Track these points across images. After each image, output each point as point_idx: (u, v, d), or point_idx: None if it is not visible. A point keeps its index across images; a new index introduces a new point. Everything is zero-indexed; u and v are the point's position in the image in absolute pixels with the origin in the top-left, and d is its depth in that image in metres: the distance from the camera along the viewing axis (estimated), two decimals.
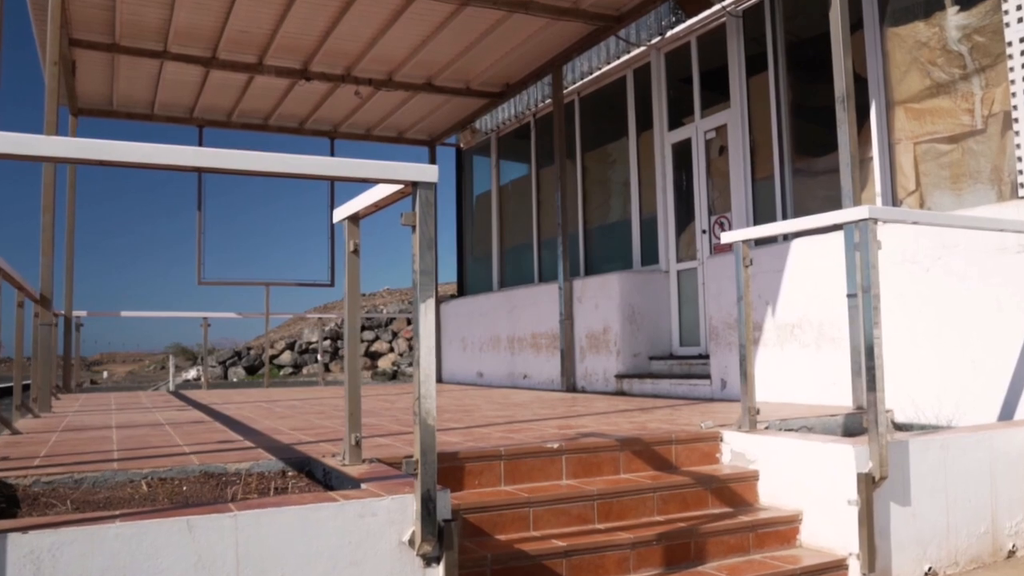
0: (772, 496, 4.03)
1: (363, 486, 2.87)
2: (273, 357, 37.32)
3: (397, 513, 2.63)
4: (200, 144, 11.49)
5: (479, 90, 10.42)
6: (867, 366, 3.62)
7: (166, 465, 3.49)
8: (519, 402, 7.15)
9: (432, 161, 12.68)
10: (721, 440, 4.33)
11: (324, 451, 3.84)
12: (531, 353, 10.02)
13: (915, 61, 6.11)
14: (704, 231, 8.09)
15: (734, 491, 4.02)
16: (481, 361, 11.34)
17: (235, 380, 33.74)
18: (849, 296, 5.60)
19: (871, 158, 6.26)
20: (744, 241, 4.37)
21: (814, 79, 7.13)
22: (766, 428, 4.52)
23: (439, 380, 12.55)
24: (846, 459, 3.65)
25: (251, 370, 36.36)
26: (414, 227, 2.66)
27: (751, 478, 4.09)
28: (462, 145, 12.96)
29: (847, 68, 5.74)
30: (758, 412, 4.36)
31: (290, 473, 3.59)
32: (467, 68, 9.80)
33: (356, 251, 3.35)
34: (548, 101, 10.71)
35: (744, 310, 4.33)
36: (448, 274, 14.06)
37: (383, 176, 2.61)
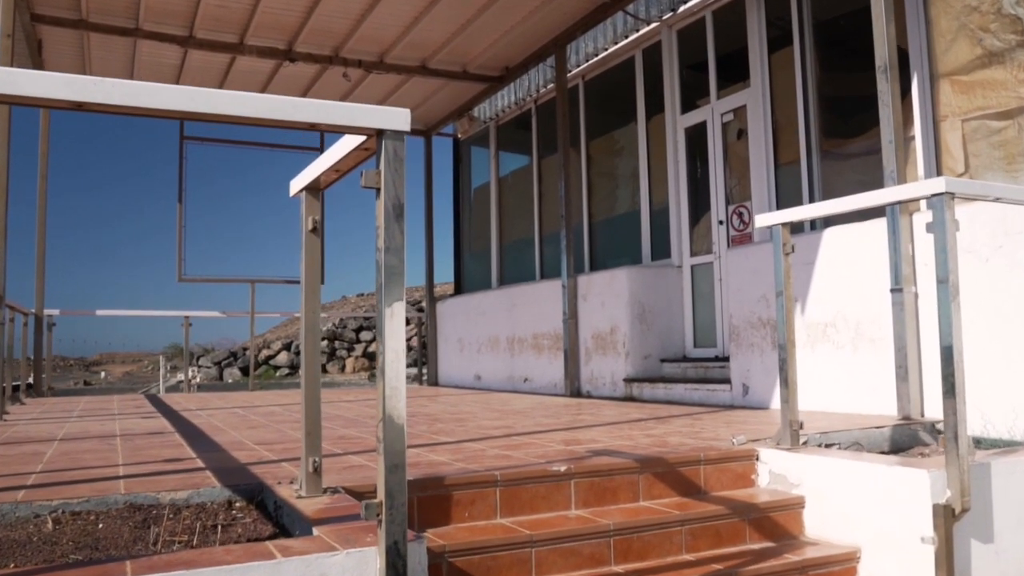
0: (821, 528, 3.37)
1: (315, 531, 2.21)
2: (269, 358, 36.75)
3: (354, 572, 1.97)
4: (182, 135, 10.86)
5: (477, 74, 9.75)
6: (945, 373, 2.96)
7: (84, 494, 2.84)
8: (519, 409, 6.49)
9: (428, 154, 12.03)
10: (757, 459, 3.67)
11: (286, 474, 3.19)
12: (532, 355, 9.36)
13: (963, 28, 5.44)
14: (721, 222, 7.43)
15: (776, 522, 3.37)
16: (479, 363, 10.68)
17: (230, 381, 33.15)
18: (893, 291, 4.95)
19: (913, 137, 5.60)
20: (784, 225, 3.71)
21: (845, 53, 6.48)
22: (804, 443, 3.86)
23: (434, 383, 11.88)
24: (919, 486, 2.99)
25: (247, 371, 35.70)
26: (378, 190, 2.00)
27: (795, 506, 3.44)
28: (459, 135, 12.30)
29: (889, 34, 5.08)
30: (801, 426, 3.70)
31: (238, 504, 2.93)
32: (463, 49, 9.14)
33: (316, 229, 2.70)
34: (550, 86, 10.04)
35: (785, 305, 3.67)
36: (445, 274, 13.43)
37: (332, 120, 1.95)
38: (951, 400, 2.94)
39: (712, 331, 7.50)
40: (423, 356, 12.65)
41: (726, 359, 6.93)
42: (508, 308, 9.98)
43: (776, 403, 5.92)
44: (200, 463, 3.61)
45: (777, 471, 3.58)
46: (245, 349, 37.13)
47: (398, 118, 1.99)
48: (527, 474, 3.14)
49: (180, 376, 33.55)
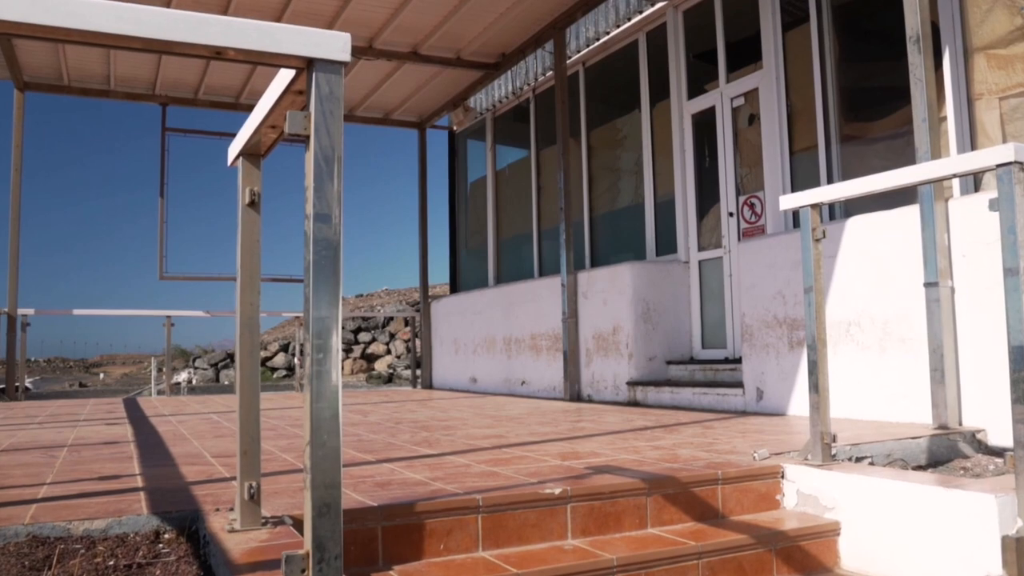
0: (859, 559, 2.88)
1: None
2: (266, 359, 36.31)
3: None
4: (163, 126, 10.38)
5: (471, 60, 9.27)
6: (1014, 377, 2.47)
7: None
8: (514, 415, 6.00)
9: (422, 147, 11.54)
10: (782, 477, 3.18)
11: (233, 496, 2.71)
12: (530, 356, 8.87)
13: None
14: (731, 214, 6.94)
15: (807, 552, 2.87)
16: (475, 365, 10.19)
17: (227, 383, 32.76)
18: (927, 285, 4.46)
19: (944, 118, 5.11)
20: (812, 206, 3.22)
21: (868, 29, 5.99)
22: (834, 456, 3.37)
23: (429, 386, 11.39)
24: (983, 514, 2.50)
25: None
26: (307, 138, 1.52)
27: (829, 533, 2.95)
28: (455, 127, 11.81)
29: (922, 1, 4.59)
30: (834, 439, 3.21)
31: (166, 536, 2.44)
32: (457, 33, 8.65)
33: (254, 203, 2.21)
34: (549, 74, 9.57)
35: (815, 300, 3.18)
36: (441, 274, 12.93)
37: (243, 44, 1.46)
38: (1022, 408, 2.45)
39: (722, 331, 7.01)
40: (418, 358, 12.17)
41: (737, 361, 6.45)
42: (505, 307, 9.49)
43: (794, 409, 5.44)
44: (139, 481, 3.13)
45: (807, 491, 3.09)
46: None
47: (332, 43, 1.51)
48: (515, 498, 2.65)
49: (175, 378, 33.15)
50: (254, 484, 2.18)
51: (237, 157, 2.25)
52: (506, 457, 3.59)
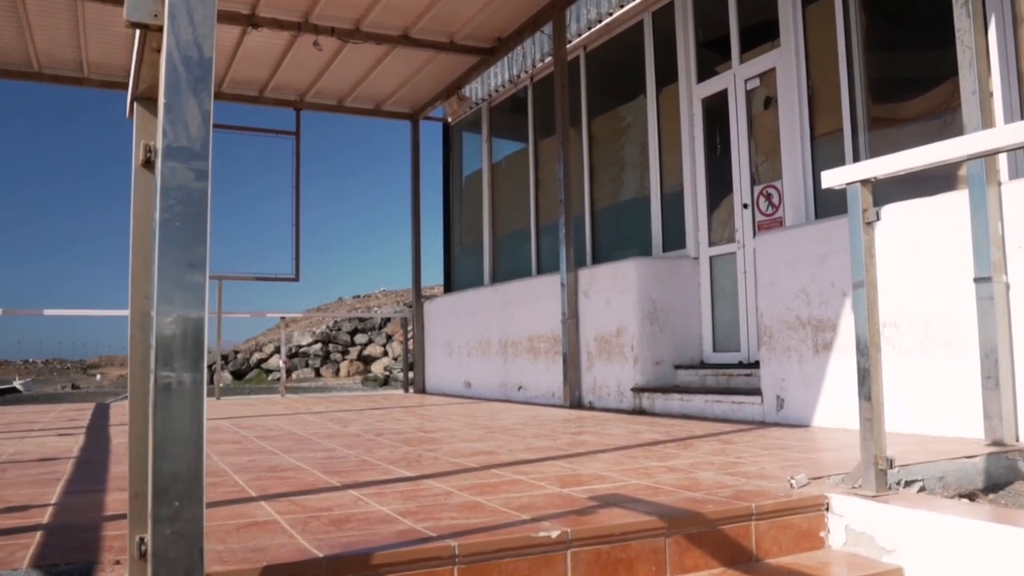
0: None
1: None
2: (261, 361, 35.88)
3: None
4: None
5: (466, 45, 8.71)
6: None
7: None
8: (508, 425, 5.45)
9: (415, 140, 10.99)
10: (827, 509, 2.63)
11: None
12: (527, 359, 8.31)
13: None
14: (745, 205, 6.38)
15: None
16: (469, 368, 9.63)
17: (220, 386, 32.16)
18: (978, 281, 3.91)
19: (991, 94, 4.56)
20: (863, 183, 2.67)
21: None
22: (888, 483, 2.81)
23: (421, 390, 10.83)
24: None
25: (238, 375, 34.81)
26: (158, 29, 0.97)
27: None
28: (449, 118, 11.26)
29: None
30: (891, 464, 2.66)
31: None
32: (449, 15, 8.10)
33: (151, 163, 1.65)
34: (548, 60, 9.02)
35: (868, 296, 2.63)
36: (435, 274, 12.41)
37: None
38: None
39: (735, 332, 6.45)
40: (411, 361, 11.62)
41: (753, 365, 5.89)
42: (501, 307, 8.94)
43: (820, 420, 4.89)
44: (48, 515, 2.57)
45: (859, 528, 2.54)
46: (236, 352, 36.23)
47: None
48: (502, 544, 2.10)
49: None
50: (147, 538, 1.62)
51: (131, 103, 1.70)
52: (495, 481, 3.03)
